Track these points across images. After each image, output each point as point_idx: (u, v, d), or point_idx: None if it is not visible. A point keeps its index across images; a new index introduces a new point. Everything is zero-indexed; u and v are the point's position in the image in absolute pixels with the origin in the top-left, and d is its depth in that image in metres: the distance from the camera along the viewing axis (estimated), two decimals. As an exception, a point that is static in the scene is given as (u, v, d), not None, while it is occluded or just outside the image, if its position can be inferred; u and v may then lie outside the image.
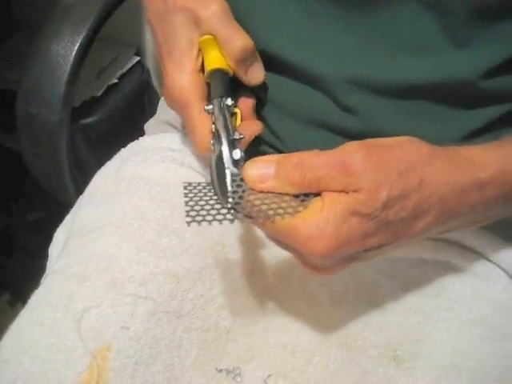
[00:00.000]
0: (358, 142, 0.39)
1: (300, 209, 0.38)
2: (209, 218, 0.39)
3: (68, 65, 0.62)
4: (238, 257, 0.51)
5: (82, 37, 0.63)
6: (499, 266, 0.50)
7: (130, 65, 1.01)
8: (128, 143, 0.60)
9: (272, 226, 0.38)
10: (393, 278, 0.50)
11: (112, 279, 0.46)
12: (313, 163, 0.38)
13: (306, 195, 0.39)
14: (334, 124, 0.49)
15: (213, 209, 0.39)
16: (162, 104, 0.67)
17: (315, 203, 0.37)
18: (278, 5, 0.48)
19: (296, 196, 0.39)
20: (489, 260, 0.50)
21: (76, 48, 0.63)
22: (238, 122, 0.48)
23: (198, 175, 0.55)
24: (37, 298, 0.47)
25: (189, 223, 0.38)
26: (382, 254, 0.42)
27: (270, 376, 0.48)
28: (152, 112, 0.71)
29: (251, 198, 0.38)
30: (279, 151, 0.54)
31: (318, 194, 0.39)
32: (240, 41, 0.46)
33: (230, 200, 0.39)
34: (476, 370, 0.45)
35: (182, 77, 0.47)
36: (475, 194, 0.40)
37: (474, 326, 0.47)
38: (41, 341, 0.43)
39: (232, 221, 0.38)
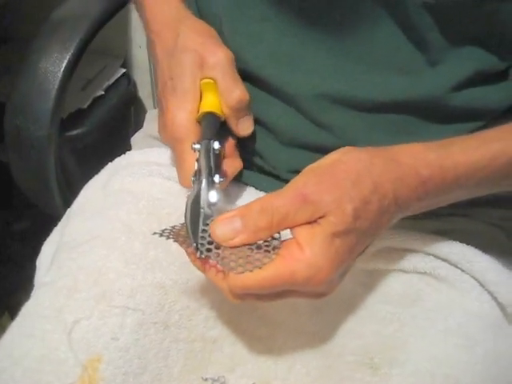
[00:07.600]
0: (305, 172, 0.41)
1: (270, 256, 0.39)
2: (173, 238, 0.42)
3: (56, 81, 0.63)
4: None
5: (70, 53, 0.64)
6: (473, 277, 0.51)
7: (116, 77, 1.01)
8: (115, 155, 0.60)
9: (256, 276, 0.39)
10: (371, 288, 0.51)
11: (101, 291, 0.47)
12: (275, 204, 0.39)
13: (267, 241, 0.40)
14: (312, 142, 0.51)
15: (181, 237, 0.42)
16: (149, 118, 0.68)
17: (291, 248, 0.39)
18: (257, 24, 0.50)
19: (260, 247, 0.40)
20: (463, 271, 0.51)
21: (64, 65, 0.63)
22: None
23: (183, 189, 0.56)
24: (27, 310, 0.47)
25: (154, 233, 0.42)
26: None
27: (253, 384, 0.49)
28: (138, 124, 0.72)
29: (221, 250, 0.40)
30: (260, 169, 0.56)
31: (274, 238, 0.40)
32: (238, 91, 0.49)
33: (200, 241, 0.41)
34: (449, 376, 0.46)
35: (182, 114, 0.49)
36: (420, 188, 0.43)
37: (449, 334, 0.48)
38: (32, 352, 0.44)
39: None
